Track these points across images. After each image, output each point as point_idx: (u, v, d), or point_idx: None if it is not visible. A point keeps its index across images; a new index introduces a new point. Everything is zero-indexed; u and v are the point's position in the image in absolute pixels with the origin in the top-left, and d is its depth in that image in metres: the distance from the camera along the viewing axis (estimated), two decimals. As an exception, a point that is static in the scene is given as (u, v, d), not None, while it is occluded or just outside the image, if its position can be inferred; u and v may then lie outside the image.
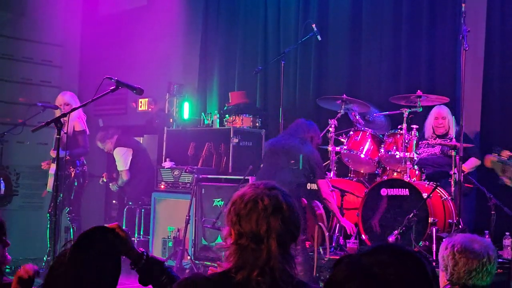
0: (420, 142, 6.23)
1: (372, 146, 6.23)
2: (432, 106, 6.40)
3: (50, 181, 6.85)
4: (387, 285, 1.50)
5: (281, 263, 2.09)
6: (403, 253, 1.59)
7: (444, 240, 3.02)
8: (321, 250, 5.55)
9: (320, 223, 5.44)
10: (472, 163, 6.13)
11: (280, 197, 2.14)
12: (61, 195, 6.51)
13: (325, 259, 5.55)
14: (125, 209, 7.89)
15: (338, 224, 5.90)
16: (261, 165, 5.86)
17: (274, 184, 2.22)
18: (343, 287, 1.53)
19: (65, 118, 6.62)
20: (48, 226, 6.79)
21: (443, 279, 2.91)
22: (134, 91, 4.70)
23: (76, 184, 6.89)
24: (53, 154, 6.60)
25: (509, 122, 6.51)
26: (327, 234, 5.48)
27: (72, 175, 6.85)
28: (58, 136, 4.46)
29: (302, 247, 5.24)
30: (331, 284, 1.58)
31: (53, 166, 6.22)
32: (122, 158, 7.82)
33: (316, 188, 5.64)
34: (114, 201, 8.96)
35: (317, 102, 6.94)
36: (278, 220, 2.09)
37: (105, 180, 8.06)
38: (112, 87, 4.56)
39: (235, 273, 2.10)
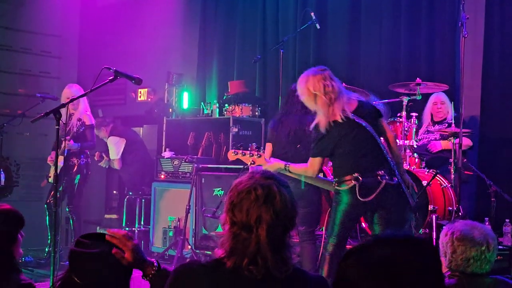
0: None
1: (371, 134, 6.21)
2: (432, 94, 6.41)
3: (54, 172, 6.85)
4: (404, 277, 1.49)
5: (272, 252, 2.08)
6: (416, 243, 1.57)
7: (445, 226, 3.01)
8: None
9: None
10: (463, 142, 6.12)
11: (274, 187, 2.12)
12: (63, 185, 6.53)
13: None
14: (125, 199, 7.90)
15: None
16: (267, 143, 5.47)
17: (272, 173, 2.22)
18: (360, 286, 1.51)
19: (73, 111, 6.68)
20: (48, 216, 6.81)
21: (443, 265, 2.92)
22: (133, 81, 4.68)
23: (79, 175, 6.88)
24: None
25: (509, 108, 6.51)
26: None
27: (76, 166, 6.86)
28: (57, 127, 4.45)
29: (304, 237, 5.21)
30: (343, 283, 1.55)
31: (60, 158, 6.22)
32: (114, 147, 7.84)
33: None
34: (114, 191, 8.97)
35: (317, 91, 6.92)
36: (269, 210, 2.08)
37: (96, 159, 8.03)
38: (111, 77, 4.54)
39: (226, 260, 2.12)
